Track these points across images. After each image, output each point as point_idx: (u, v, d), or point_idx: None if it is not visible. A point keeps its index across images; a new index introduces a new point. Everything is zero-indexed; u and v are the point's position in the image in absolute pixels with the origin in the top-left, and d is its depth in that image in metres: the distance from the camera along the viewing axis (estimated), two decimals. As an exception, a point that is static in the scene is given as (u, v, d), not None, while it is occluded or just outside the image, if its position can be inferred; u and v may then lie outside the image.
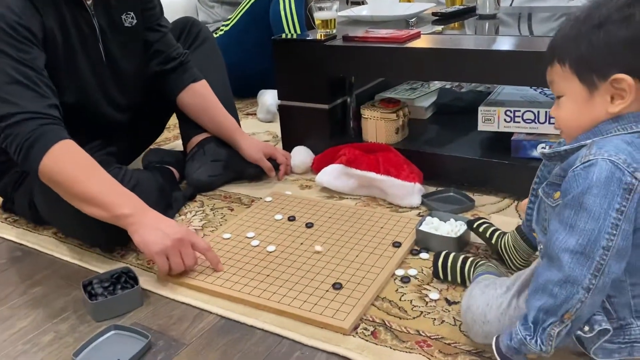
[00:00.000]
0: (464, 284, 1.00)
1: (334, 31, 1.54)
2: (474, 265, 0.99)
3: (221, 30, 2.21)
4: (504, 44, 1.35)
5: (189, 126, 1.55)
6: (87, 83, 1.27)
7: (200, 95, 1.49)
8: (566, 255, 0.67)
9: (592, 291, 0.66)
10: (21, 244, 1.28)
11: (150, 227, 1.03)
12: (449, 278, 1.01)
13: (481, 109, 1.34)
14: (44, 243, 1.27)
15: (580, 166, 0.68)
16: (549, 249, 0.70)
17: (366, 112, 1.49)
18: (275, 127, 1.93)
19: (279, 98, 1.61)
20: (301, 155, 1.54)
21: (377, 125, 1.47)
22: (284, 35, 1.60)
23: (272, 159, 1.50)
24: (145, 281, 1.08)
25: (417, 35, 1.44)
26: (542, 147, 0.82)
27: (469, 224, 1.11)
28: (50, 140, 1.06)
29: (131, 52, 1.36)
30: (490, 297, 0.81)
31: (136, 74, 1.39)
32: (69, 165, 1.07)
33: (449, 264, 1.01)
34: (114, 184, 1.08)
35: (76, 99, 1.25)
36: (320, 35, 1.52)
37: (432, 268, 1.03)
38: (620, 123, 0.71)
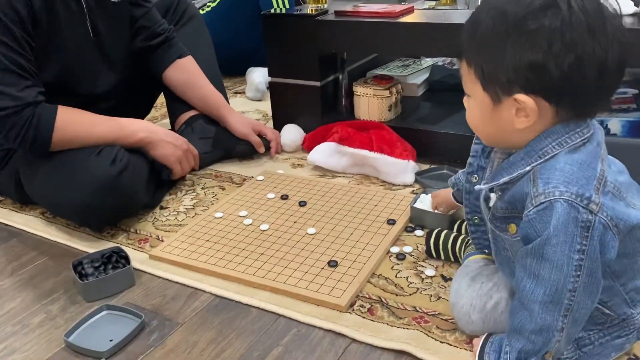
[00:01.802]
0: (457, 261, 1.00)
1: (325, 6, 1.51)
2: (464, 244, 0.98)
3: (208, 6, 2.16)
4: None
5: (176, 104, 1.52)
6: (74, 60, 1.23)
7: (186, 71, 1.46)
8: (536, 306, 0.66)
9: (565, 329, 0.66)
10: (7, 225, 1.25)
11: (164, 142, 1.26)
12: (442, 256, 1.01)
13: (475, 86, 1.33)
14: (31, 223, 1.24)
15: (534, 210, 0.64)
16: (519, 295, 0.69)
17: (359, 89, 1.47)
18: (265, 106, 1.91)
19: (270, 75, 1.58)
20: (291, 134, 1.52)
21: (370, 103, 1.45)
22: (273, 10, 1.56)
23: (261, 136, 1.47)
24: (137, 260, 1.06)
25: (410, 10, 1.41)
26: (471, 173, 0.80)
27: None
28: (49, 115, 1.13)
29: (118, 29, 1.32)
30: (475, 296, 0.79)
31: (123, 50, 1.35)
32: (77, 121, 1.17)
33: (441, 242, 1.00)
34: (119, 119, 1.22)
35: (62, 76, 1.22)
36: (311, 9, 1.49)
37: (425, 246, 1.02)
38: (554, 138, 0.66)
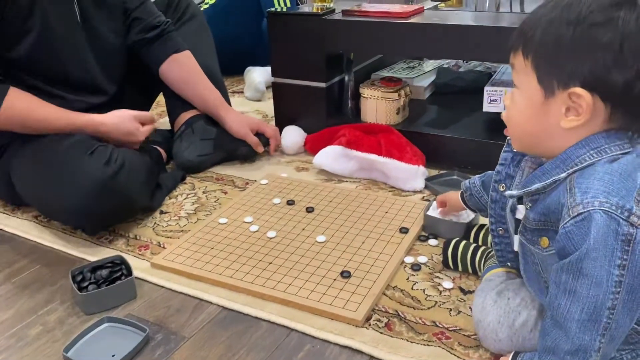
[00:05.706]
0: (474, 273, 0.96)
1: (332, 5, 1.46)
2: (484, 256, 0.94)
3: (206, 3, 2.11)
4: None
5: (175, 102, 1.46)
6: (61, 47, 1.17)
7: (182, 66, 1.40)
8: (573, 324, 0.62)
9: (602, 348, 0.62)
10: (-1, 229, 1.19)
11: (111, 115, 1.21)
12: (460, 268, 0.97)
13: (487, 89, 1.30)
14: (25, 227, 1.18)
15: (571, 222, 0.61)
16: (552, 312, 0.65)
17: (366, 92, 1.42)
18: (265, 106, 1.86)
19: (273, 75, 1.53)
20: (292, 135, 1.47)
21: (377, 105, 1.41)
22: (274, 9, 1.51)
23: (260, 135, 1.42)
24: (137, 269, 1.01)
25: (420, 11, 1.38)
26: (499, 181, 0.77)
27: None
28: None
29: (109, 14, 1.27)
30: (502, 312, 0.76)
31: (115, 40, 1.29)
32: (25, 101, 1.12)
33: (459, 253, 0.96)
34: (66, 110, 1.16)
35: (50, 65, 1.16)
36: (318, 8, 1.44)
37: (442, 256, 0.99)
38: (593, 147, 0.63)
